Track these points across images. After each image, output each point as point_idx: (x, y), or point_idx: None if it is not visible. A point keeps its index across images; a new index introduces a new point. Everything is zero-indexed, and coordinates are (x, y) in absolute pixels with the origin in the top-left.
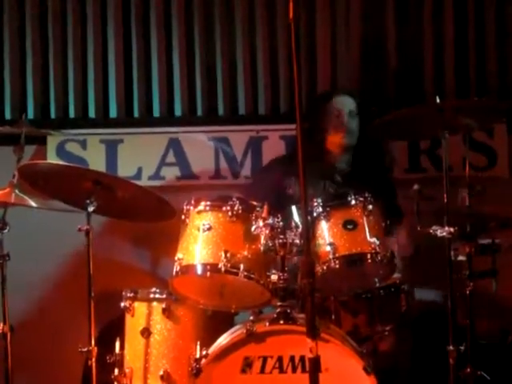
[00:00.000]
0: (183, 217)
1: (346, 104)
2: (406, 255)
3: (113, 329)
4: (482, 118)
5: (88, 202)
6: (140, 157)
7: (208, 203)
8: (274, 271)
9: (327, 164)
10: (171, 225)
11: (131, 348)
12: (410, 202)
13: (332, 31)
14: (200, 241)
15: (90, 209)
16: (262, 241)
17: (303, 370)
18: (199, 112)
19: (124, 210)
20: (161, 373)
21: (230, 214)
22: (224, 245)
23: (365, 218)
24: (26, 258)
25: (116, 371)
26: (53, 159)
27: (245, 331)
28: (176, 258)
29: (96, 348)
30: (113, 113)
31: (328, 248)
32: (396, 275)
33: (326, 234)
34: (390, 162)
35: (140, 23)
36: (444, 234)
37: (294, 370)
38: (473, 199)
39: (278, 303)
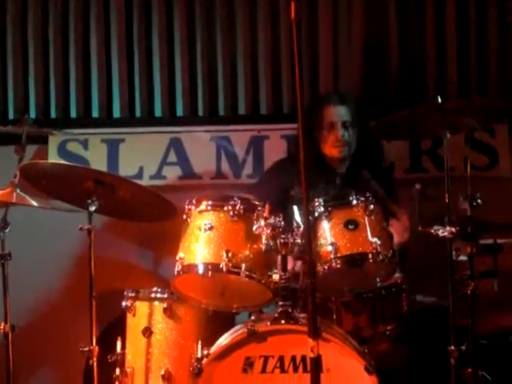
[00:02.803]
0: (185, 216)
1: (339, 115)
2: (401, 241)
3: (114, 328)
4: (483, 117)
5: (89, 201)
6: (141, 156)
7: (209, 203)
8: (275, 271)
9: (327, 168)
10: (173, 224)
11: (132, 347)
12: (411, 201)
13: (334, 31)
14: (201, 240)
15: (92, 208)
16: (264, 240)
17: (304, 370)
18: (201, 112)
19: (125, 209)
20: (162, 372)
21: (231, 213)
22: (225, 244)
23: (366, 218)
24: (28, 257)
25: (117, 371)
26: (54, 159)
27: (246, 331)
28: (177, 258)
29: (97, 347)
30: (116, 113)
31: (329, 248)
32: (397, 275)
33: (327, 233)
34: (390, 164)
35: (142, 24)
36: (445, 234)
37: (296, 369)
38: (474, 209)
39: (280, 303)
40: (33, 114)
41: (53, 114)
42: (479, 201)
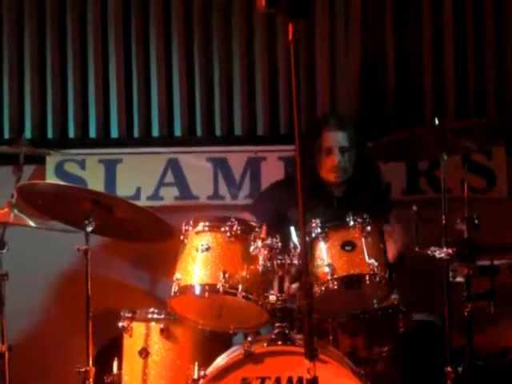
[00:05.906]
0: (182, 237)
1: (337, 140)
2: (395, 253)
3: (111, 349)
4: (480, 139)
5: (86, 222)
6: (139, 177)
7: (206, 223)
8: (272, 292)
9: (324, 191)
10: (170, 245)
11: (129, 368)
12: (408, 223)
13: (331, 52)
14: (198, 261)
15: (89, 229)
16: (261, 261)
17: None
18: (198, 133)
19: (122, 230)
20: None
21: (228, 234)
22: (222, 265)
23: (363, 239)
24: (25, 277)
25: None
26: (52, 179)
27: (243, 352)
28: (174, 279)
29: (94, 368)
30: (113, 133)
31: (326, 269)
32: (394, 296)
33: (324, 254)
34: (386, 186)
35: (140, 44)
36: (442, 255)
37: None
38: (471, 231)
39: (276, 324)
40: (29, 135)
41: (50, 135)
42: (476, 222)
